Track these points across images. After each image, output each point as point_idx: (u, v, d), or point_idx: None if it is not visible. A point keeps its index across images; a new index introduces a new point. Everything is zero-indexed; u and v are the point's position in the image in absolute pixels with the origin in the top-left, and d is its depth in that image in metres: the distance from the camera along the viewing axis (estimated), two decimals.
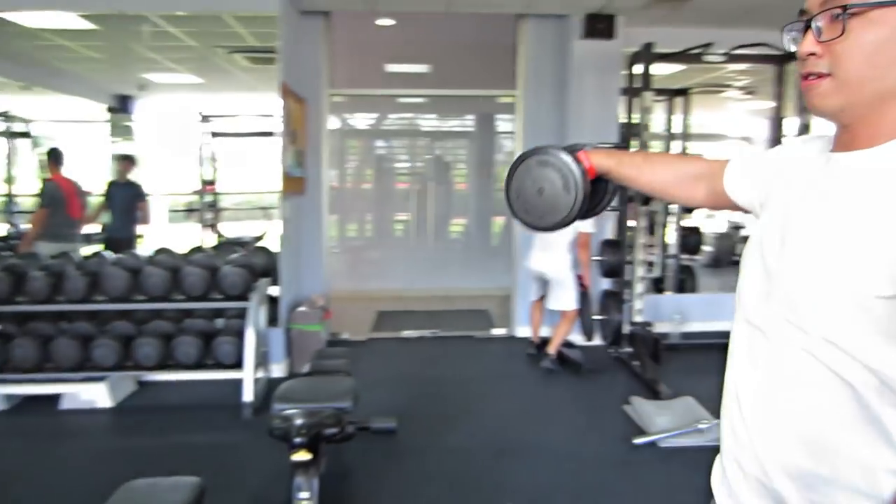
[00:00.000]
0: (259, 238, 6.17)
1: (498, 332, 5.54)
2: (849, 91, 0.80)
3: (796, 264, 0.83)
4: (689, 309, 5.26)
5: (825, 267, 0.78)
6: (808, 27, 0.82)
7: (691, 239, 5.99)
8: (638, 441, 3.32)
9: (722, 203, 1.16)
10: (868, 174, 0.79)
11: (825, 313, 0.78)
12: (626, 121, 4.85)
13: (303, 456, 2.37)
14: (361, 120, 7.68)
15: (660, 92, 5.40)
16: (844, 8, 0.76)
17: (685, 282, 5.97)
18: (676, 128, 6.31)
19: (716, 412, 3.42)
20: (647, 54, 4.30)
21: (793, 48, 0.88)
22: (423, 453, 3.24)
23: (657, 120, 5.46)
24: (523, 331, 5.29)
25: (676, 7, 4.70)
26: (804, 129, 4.41)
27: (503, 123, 7.52)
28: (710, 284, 6.19)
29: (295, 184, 4.67)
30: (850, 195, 0.80)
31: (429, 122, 7.79)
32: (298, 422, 2.41)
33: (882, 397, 0.76)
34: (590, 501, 2.85)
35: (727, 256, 7.33)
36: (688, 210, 5.69)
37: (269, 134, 6.59)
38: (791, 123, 4.72)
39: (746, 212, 1.12)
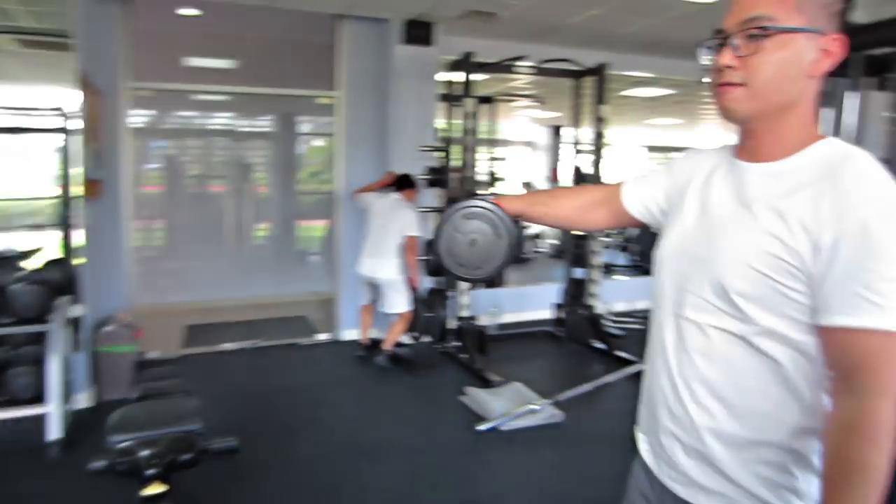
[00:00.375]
0: (27, 254, 5.28)
1: (322, 337, 5.43)
2: (758, 99, 0.96)
3: (733, 266, 0.95)
4: (502, 301, 5.64)
5: (764, 268, 0.92)
6: (724, 44, 0.97)
7: None
8: (481, 427, 3.50)
9: (622, 221, 1.30)
10: (781, 186, 0.94)
11: (766, 307, 0.92)
12: (444, 126, 5.06)
13: (157, 489, 2.13)
14: (158, 117, 7.00)
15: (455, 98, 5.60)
16: (763, 28, 0.92)
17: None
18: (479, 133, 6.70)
19: (542, 394, 3.75)
20: (467, 63, 4.54)
21: (705, 61, 1.03)
22: (275, 467, 3.09)
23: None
24: (349, 334, 5.27)
25: (489, 20, 5.01)
26: (598, 136, 4.97)
27: (314, 125, 7.38)
28: (514, 278, 6.67)
29: (92, 187, 4.13)
30: (772, 206, 0.94)
31: (234, 121, 7.35)
32: (146, 452, 2.15)
33: (797, 368, 0.93)
34: (448, 488, 2.95)
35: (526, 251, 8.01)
36: None
37: (36, 130, 5.72)
38: (584, 133, 5.25)
39: (643, 225, 1.27)
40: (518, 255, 1.30)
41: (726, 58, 0.96)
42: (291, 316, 6.24)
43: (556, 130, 11.31)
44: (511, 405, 3.71)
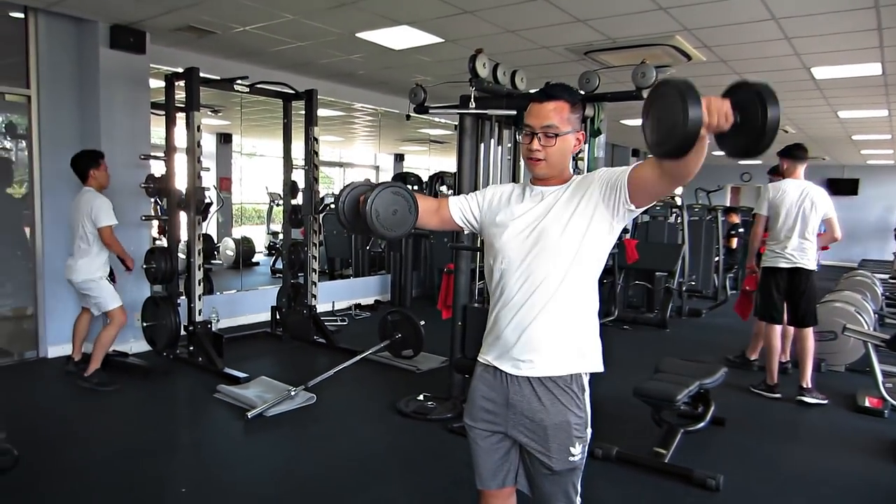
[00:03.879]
0: None
1: (25, 355, 4.86)
2: (552, 168, 1.76)
3: (553, 239, 1.72)
4: (220, 307, 5.82)
5: (571, 236, 1.71)
6: (532, 135, 1.75)
7: (205, 245, 6.50)
8: (250, 414, 3.82)
9: (446, 226, 1.99)
10: (563, 194, 1.76)
11: (577, 260, 1.71)
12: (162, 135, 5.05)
13: None
14: None
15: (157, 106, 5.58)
16: (556, 135, 1.73)
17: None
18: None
19: (290, 383, 4.23)
20: (194, 77, 4.70)
21: (520, 139, 1.82)
22: (55, 479, 2.96)
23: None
24: (57, 350, 4.89)
25: (203, 36, 5.22)
26: (309, 154, 5.57)
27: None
28: (229, 284, 6.83)
29: None
30: (560, 203, 1.75)
31: None
32: None
33: (588, 284, 1.76)
34: (238, 470, 3.25)
35: (249, 257, 8.37)
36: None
37: None
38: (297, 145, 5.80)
39: (461, 229, 1.99)
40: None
41: (535, 144, 1.74)
42: None
43: (226, 139, 11.41)
44: (269, 394, 4.10)
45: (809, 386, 4.49)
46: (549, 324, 1.73)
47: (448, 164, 12.04)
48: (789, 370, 5.05)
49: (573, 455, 1.75)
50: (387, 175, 12.69)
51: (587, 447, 1.81)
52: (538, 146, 1.72)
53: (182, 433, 3.80)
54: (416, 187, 8.62)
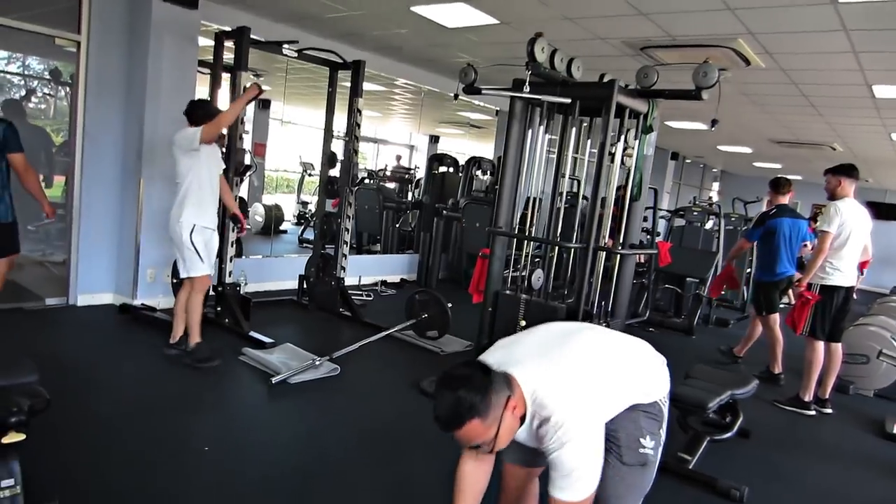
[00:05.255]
0: None
1: (52, 301, 4.92)
2: (511, 438, 1.66)
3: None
4: (248, 271, 5.82)
5: None
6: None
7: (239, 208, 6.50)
8: (274, 380, 3.82)
9: (492, 459, 1.88)
10: (534, 433, 1.66)
11: None
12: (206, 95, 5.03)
13: (16, 437, 2.11)
14: None
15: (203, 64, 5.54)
16: (490, 446, 1.63)
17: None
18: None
19: (313, 351, 4.21)
20: (244, 37, 4.66)
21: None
22: (84, 427, 2.99)
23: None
24: (86, 299, 4.96)
25: None
26: (352, 125, 5.52)
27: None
28: (256, 250, 6.85)
29: None
30: (535, 441, 1.67)
31: None
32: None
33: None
34: (261, 432, 3.26)
35: (278, 224, 8.63)
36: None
37: None
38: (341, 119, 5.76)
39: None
40: None
41: (483, 455, 1.72)
42: None
43: (265, 104, 11.39)
44: (293, 362, 4.10)
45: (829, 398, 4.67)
46: None
47: (484, 149, 11.94)
48: (781, 381, 5.24)
49: (644, 447, 1.76)
50: (421, 156, 12.59)
51: (661, 449, 1.82)
52: (485, 454, 1.73)
53: (206, 392, 3.80)
54: (451, 169, 8.55)
